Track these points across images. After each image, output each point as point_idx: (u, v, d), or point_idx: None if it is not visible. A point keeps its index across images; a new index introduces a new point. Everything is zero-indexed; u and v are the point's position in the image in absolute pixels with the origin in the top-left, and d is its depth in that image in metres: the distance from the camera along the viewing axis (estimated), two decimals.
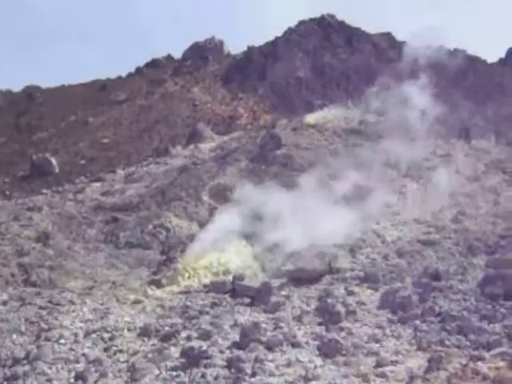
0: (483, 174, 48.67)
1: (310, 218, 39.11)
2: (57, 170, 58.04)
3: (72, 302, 29.73)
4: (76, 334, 26.23)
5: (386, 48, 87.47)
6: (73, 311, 28.68)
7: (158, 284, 33.28)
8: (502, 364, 21.08)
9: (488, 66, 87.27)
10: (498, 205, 42.47)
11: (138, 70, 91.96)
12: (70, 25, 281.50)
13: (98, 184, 53.06)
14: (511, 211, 40.09)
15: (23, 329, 27.30)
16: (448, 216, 40.37)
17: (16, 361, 24.65)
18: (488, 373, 20.18)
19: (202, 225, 42.08)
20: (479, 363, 21.13)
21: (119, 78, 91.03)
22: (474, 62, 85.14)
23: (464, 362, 21.22)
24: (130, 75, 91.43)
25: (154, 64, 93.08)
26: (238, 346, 24.08)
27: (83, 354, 24.57)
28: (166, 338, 25.57)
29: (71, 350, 25.00)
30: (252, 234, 37.94)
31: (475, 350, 22.58)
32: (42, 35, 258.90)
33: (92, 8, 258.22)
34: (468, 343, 23.20)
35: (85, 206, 45.77)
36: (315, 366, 22.29)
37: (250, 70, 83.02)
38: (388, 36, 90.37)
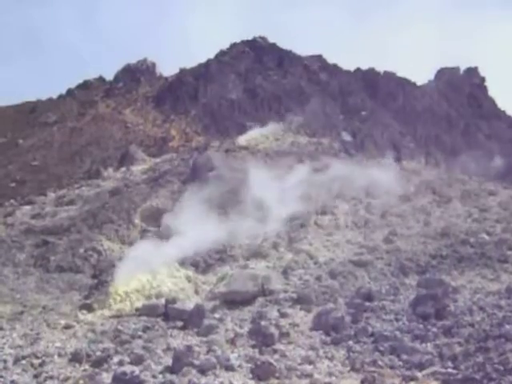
0: (414, 195, 49.26)
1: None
2: None
3: (1, 328, 29.06)
4: (5, 361, 25.50)
5: (317, 70, 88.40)
6: (2, 337, 27.97)
7: (89, 308, 32.68)
8: (434, 383, 21.24)
9: (417, 88, 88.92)
10: (428, 225, 43.01)
11: (69, 92, 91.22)
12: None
13: (28, 207, 52.33)
14: (441, 231, 40.63)
15: None
16: (380, 236, 40.72)
17: None
18: None
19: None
20: (412, 383, 21.27)
21: (50, 99, 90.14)
22: (403, 84, 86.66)
23: (397, 382, 21.31)
24: (60, 97, 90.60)
25: (85, 86, 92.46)
26: (170, 370, 23.75)
27: (12, 381, 23.92)
28: (98, 363, 25.08)
29: (0, 377, 24.37)
30: (186, 257, 37.69)
31: (408, 369, 22.67)
32: None
33: (20, 29, 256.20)
34: (401, 363, 23.26)
35: (14, 230, 45.04)
36: None
37: (182, 91, 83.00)
38: (319, 58, 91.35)
